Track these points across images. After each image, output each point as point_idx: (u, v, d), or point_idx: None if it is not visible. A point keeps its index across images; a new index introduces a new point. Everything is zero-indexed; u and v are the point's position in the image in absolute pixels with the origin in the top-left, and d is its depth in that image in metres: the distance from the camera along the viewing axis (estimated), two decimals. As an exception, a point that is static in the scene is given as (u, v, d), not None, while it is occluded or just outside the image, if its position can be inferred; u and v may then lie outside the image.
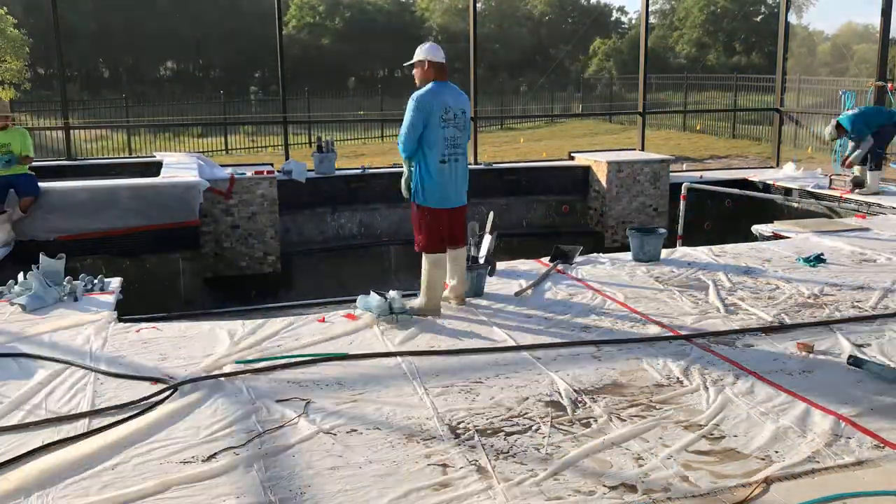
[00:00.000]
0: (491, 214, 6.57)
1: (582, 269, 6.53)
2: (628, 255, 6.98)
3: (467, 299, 5.56)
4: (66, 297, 5.70)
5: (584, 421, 3.66)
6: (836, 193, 10.10)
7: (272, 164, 10.95)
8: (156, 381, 4.15)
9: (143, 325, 5.22)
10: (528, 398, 3.92)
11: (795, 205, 10.41)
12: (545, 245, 9.29)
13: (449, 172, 5.29)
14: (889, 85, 11.57)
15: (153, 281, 8.09)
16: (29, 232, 8.13)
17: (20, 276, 5.88)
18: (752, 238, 8.13)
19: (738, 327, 4.99)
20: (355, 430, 3.57)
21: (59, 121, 12.65)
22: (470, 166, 11.96)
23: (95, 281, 6.07)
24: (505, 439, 3.48)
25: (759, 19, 39.21)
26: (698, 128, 23.84)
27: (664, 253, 6.94)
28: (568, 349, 4.63)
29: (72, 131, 11.76)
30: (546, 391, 4.01)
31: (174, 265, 8.59)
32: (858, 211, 9.42)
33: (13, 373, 4.31)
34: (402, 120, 5.23)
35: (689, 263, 6.70)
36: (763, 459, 3.27)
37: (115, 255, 8.24)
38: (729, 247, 7.33)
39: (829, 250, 7.07)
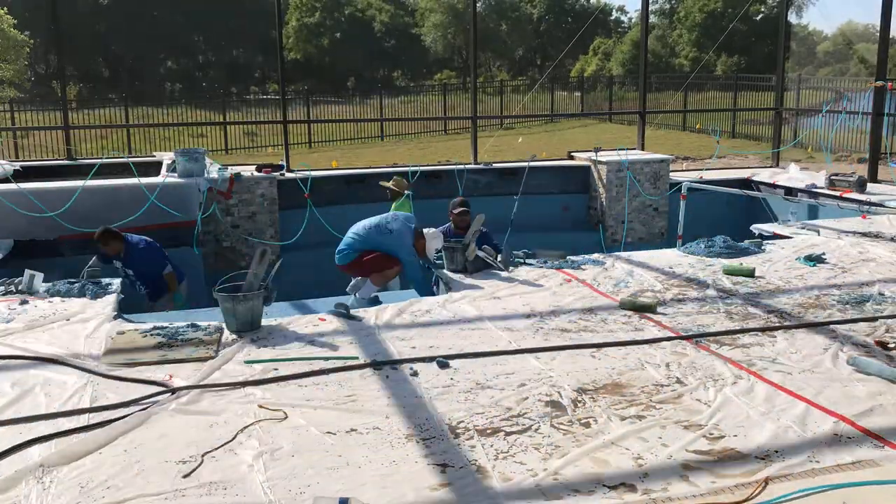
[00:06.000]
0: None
1: (582, 269, 6.54)
2: (627, 255, 6.99)
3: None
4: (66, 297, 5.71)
5: (584, 421, 3.65)
6: (837, 193, 10.10)
7: (272, 164, 10.95)
8: (155, 382, 4.15)
9: (143, 324, 5.21)
10: (527, 398, 3.92)
11: (796, 204, 10.40)
12: (544, 244, 9.29)
13: None
14: (889, 85, 11.56)
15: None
16: (29, 231, 8.16)
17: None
18: (752, 238, 8.13)
19: (738, 327, 4.99)
20: (355, 430, 3.57)
21: (59, 118, 12.66)
22: (469, 166, 11.99)
23: (95, 280, 6.08)
24: (505, 439, 3.47)
25: (758, 19, 39.23)
26: (698, 127, 23.85)
27: (664, 252, 6.94)
28: (568, 351, 4.63)
29: (71, 131, 11.76)
30: (546, 391, 4.01)
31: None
32: (859, 210, 9.41)
33: (13, 372, 4.31)
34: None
35: (689, 263, 6.70)
36: (763, 459, 3.27)
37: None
38: (729, 246, 7.31)
39: (830, 250, 7.07)
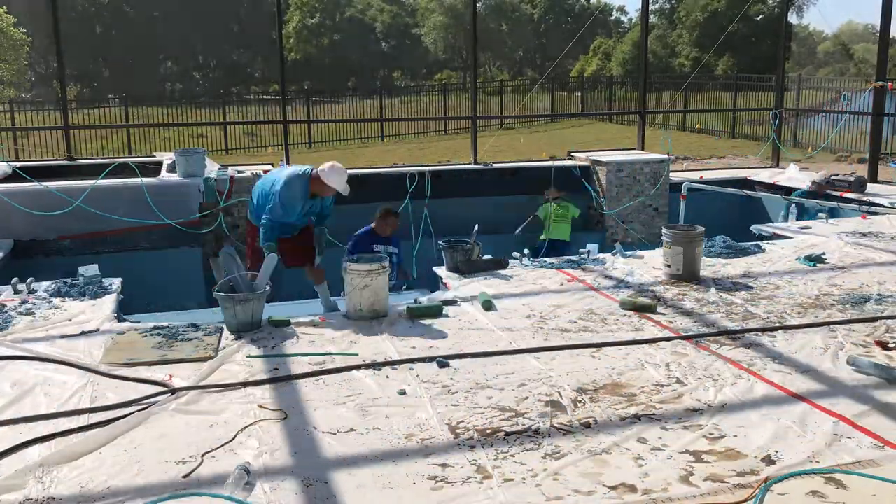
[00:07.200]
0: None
1: (583, 269, 6.54)
2: (628, 254, 6.99)
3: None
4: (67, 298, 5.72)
5: (584, 421, 3.66)
6: (836, 193, 10.09)
7: (272, 164, 10.95)
8: (156, 382, 4.15)
9: (143, 324, 5.21)
10: (527, 398, 3.92)
11: (795, 204, 10.39)
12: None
13: None
14: (889, 85, 11.56)
15: (153, 280, 8.08)
16: (29, 231, 8.16)
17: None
18: (752, 238, 8.13)
19: (738, 327, 4.99)
20: (354, 430, 3.57)
21: (59, 118, 12.66)
22: (469, 166, 11.92)
23: (96, 281, 6.07)
24: (505, 439, 3.47)
25: (759, 19, 39.22)
26: (699, 128, 23.85)
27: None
28: (568, 351, 4.63)
29: (71, 131, 11.76)
30: (546, 391, 4.01)
31: (174, 264, 8.60)
32: (859, 210, 9.40)
33: (13, 372, 4.31)
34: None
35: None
36: (763, 459, 3.27)
37: (115, 254, 8.25)
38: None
39: (830, 250, 7.07)
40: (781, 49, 13.72)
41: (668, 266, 6.19)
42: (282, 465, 3.25)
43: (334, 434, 3.53)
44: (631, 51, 38.24)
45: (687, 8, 42.60)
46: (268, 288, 5.18)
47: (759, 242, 7.49)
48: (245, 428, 3.59)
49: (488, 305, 5.47)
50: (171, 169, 9.56)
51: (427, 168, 10.68)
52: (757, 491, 2.99)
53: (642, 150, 12.44)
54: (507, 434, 3.52)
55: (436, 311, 5.29)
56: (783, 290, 5.87)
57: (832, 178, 10.64)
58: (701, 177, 11.55)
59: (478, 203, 10.53)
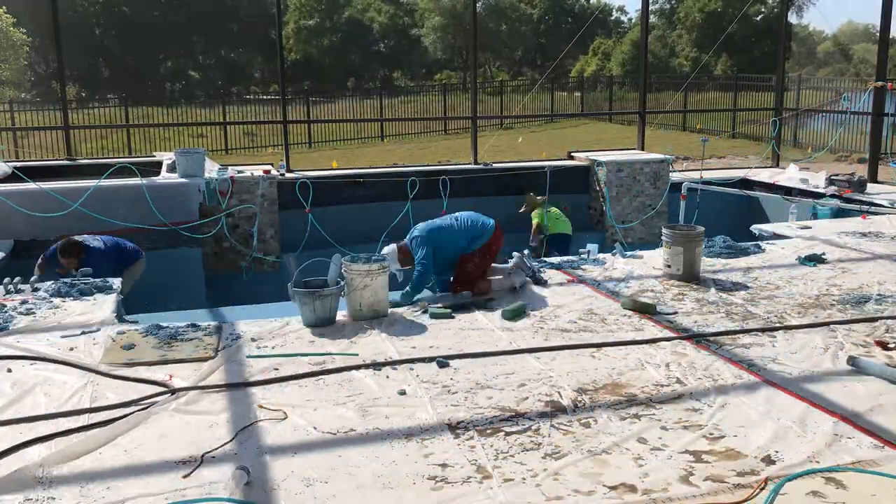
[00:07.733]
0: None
1: (583, 269, 6.54)
2: (628, 254, 6.99)
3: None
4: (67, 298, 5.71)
5: (584, 421, 3.66)
6: (837, 193, 10.09)
7: (272, 164, 10.95)
8: (156, 382, 4.15)
9: (143, 324, 5.21)
10: (527, 398, 3.92)
11: (795, 204, 10.39)
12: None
13: None
14: (889, 85, 11.56)
15: (153, 281, 8.08)
16: (30, 232, 8.15)
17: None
18: (752, 238, 8.13)
19: (737, 327, 4.99)
20: (354, 430, 3.58)
21: (59, 118, 12.66)
22: (469, 166, 11.92)
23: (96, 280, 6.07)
24: (505, 439, 3.47)
25: (758, 19, 39.21)
26: (699, 128, 23.85)
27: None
28: (568, 351, 4.63)
29: (71, 131, 11.76)
30: (546, 391, 4.01)
31: (174, 265, 8.59)
32: (859, 210, 9.40)
33: (13, 372, 4.31)
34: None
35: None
36: (763, 459, 3.27)
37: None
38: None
39: (829, 250, 7.07)
40: (781, 49, 13.73)
41: (668, 266, 6.19)
42: (281, 465, 3.26)
43: (334, 434, 3.54)
44: (631, 51, 38.21)
45: (686, 8, 42.58)
46: (342, 283, 5.27)
47: (759, 242, 7.49)
48: (245, 428, 3.59)
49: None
50: (171, 169, 9.57)
51: (432, 167, 10.69)
52: (757, 490, 2.99)
53: (642, 150, 12.45)
54: (507, 434, 3.52)
55: (522, 310, 5.38)
56: (783, 290, 5.87)
57: (832, 177, 10.63)
58: (701, 177, 11.55)
59: (478, 203, 10.54)
